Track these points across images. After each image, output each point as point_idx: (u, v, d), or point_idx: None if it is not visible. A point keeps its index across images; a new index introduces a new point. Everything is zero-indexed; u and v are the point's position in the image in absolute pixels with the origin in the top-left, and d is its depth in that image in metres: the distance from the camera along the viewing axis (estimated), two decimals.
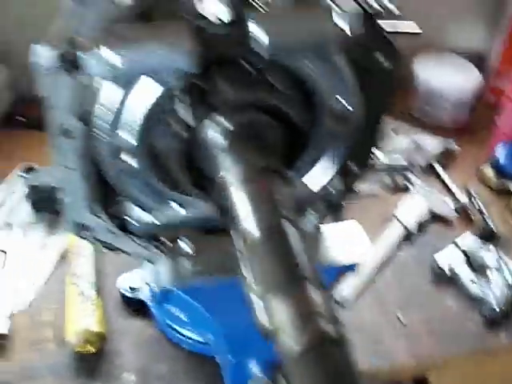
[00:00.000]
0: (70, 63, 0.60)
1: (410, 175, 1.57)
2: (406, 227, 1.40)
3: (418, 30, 1.62)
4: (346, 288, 1.22)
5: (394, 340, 1.18)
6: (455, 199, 1.51)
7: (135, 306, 1.21)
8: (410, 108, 1.84)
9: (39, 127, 1.87)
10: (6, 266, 1.30)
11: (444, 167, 1.62)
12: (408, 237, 1.40)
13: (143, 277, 1.20)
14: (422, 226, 1.43)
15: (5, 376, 1.11)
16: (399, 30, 1.60)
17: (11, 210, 1.43)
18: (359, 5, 0.65)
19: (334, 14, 0.61)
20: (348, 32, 0.62)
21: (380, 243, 1.35)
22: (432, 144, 1.65)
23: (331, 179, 0.76)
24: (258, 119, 0.62)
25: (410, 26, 1.63)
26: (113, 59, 0.57)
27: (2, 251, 1.32)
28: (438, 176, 1.60)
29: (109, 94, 0.62)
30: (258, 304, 0.53)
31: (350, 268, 0.92)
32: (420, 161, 1.61)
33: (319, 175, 0.75)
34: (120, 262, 0.84)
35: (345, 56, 0.67)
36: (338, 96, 0.67)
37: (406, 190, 1.54)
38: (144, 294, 1.21)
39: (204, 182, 0.66)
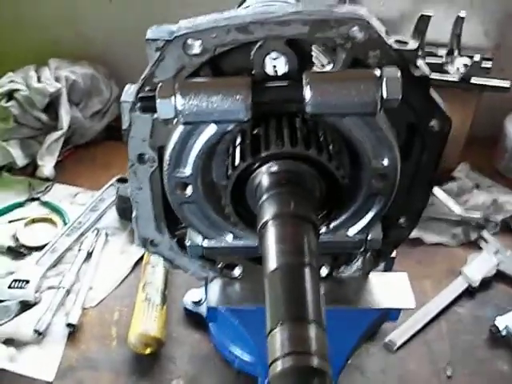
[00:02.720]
0: (147, 104, 0.70)
1: (483, 231, 1.57)
2: (470, 284, 1.40)
3: (506, 85, 1.62)
4: (393, 332, 1.25)
5: None
6: None
7: (196, 320, 1.30)
8: (496, 165, 1.84)
9: None
10: (88, 265, 1.44)
11: None
12: (470, 293, 1.40)
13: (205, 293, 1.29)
14: (486, 283, 1.42)
15: (69, 361, 1.23)
16: (487, 84, 1.61)
17: (100, 215, 1.58)
18: (403, 70, 0.69)
19: (377, 80, 0.67)
20: (385, 96, 0.67)
21: (440, 296, 1.37)
22: (511, 202, 1.64)
23: (367, 225, 0.81)
24: (301, 169, 0.68)
25: (499, 82, 1.64)
26: (180, 106, 0.67)
27: (88, 251, 1.46)
28: None
29: (176, 132, 0.72)
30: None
31: (392, 314, 0.96)
32: (496, 218, 1.60)
33: (360, 224, 0.81)
34: (191, 277, 0.93)
35: (389, 118, 0.72)
36: (378, 156, 0.73)
37: (477, 245, 1.55)
38: (204, 310, 1.30)
39: (250, 217, 0.73)
